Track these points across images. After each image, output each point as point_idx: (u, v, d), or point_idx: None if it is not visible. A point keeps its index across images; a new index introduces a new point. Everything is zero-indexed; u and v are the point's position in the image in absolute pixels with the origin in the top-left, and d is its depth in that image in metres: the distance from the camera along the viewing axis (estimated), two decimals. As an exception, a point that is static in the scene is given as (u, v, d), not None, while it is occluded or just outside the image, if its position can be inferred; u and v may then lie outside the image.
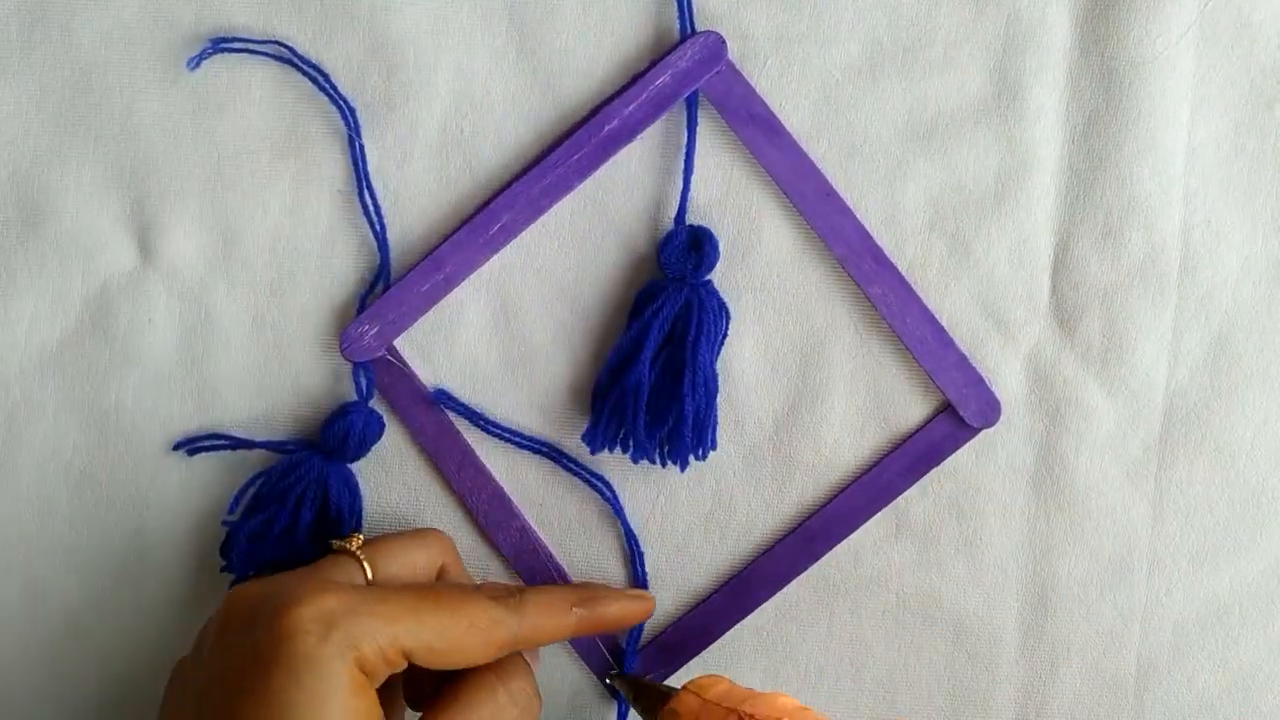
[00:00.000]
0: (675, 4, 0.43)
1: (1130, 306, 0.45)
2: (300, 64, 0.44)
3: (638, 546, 0.46)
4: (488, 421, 0.45)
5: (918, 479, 0.45)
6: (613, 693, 0.46)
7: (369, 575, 0.40)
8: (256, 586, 0.38)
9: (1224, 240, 0.44)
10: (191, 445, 0.45)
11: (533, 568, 0.46)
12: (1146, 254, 0.44)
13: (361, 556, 0.41)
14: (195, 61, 0.44)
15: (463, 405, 0.45)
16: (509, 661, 0.40)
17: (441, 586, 0.41)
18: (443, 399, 0.45)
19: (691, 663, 0.46)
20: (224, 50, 0.44)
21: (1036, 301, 0.45)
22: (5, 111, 0.44)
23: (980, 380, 0.45)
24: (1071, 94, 0.44)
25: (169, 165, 0.45)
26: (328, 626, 0.35)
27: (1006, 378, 0.45)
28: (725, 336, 0.44)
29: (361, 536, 0.42)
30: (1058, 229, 0.44)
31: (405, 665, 0.37)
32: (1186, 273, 0.45)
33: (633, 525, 0.46)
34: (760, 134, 0.44)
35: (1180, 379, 0.45)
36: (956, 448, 0.45)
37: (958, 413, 0.45)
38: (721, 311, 0.44)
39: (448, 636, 0.37)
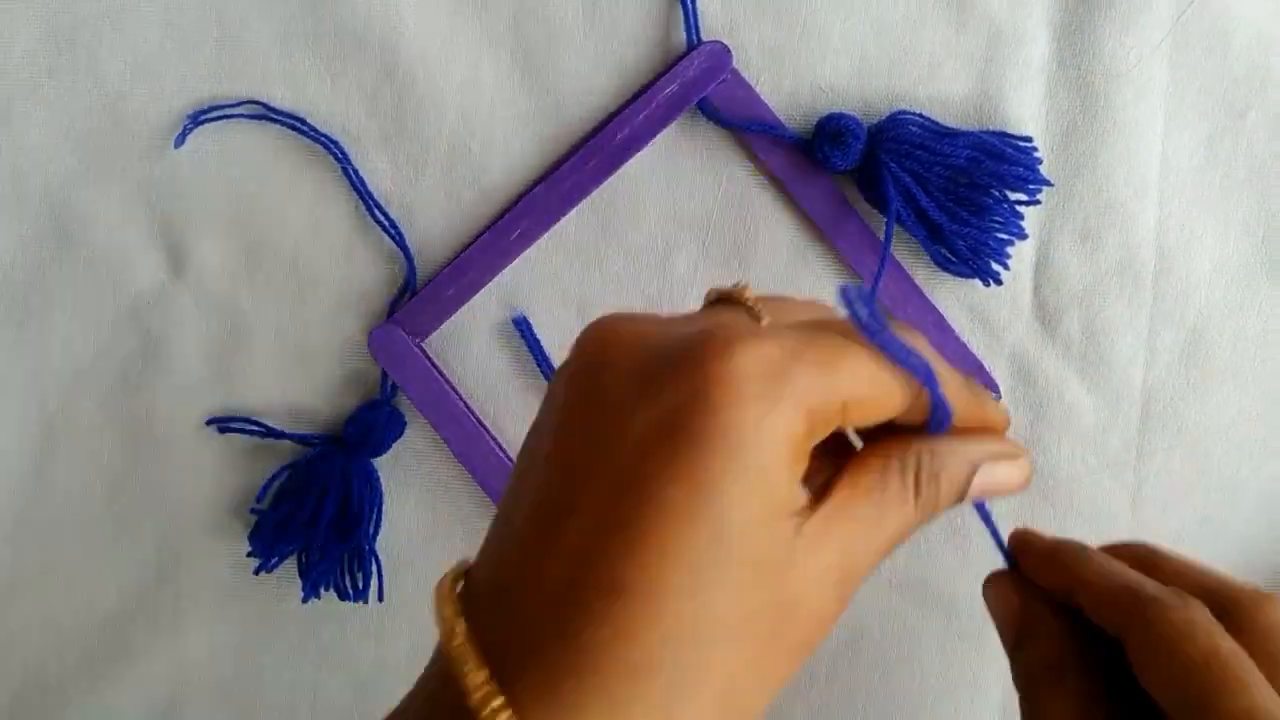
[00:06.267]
0: (681, 18, 0.45)
1: (1108, 306, 0.47)
2: (277, 117, 0.46)
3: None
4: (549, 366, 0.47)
5: None
6: None
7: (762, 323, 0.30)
8: (640, 325, 0.29)
9: (1197, 243, 0.46)
10: (222, 424, 0.47)
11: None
12: (1123, 256, 0.46)
13: (757, 308, 0.30)
14: (179, 140, 0.46)
15: (535, 340, 0.47)
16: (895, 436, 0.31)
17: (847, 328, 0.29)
18: (522, 326, 0.47)
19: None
20: (203, 123, 0.46)
21: (1019, 302, 0.47)
22: (36, 137, 0.46)
23: (980, 365, 0.47)
24: (1050, 105, 0.46)
25: (193, 185, 0.47)
26: (772, 381, 0.26)
27: (991, 375, 0.47)
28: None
29: (750, 287, 0.31)
30: (1039, 234, 0.46)
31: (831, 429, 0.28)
32: (1161, 274, 0.46)
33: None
34: (765, 138, 0.46)
35: (1156, 375, 0.47)
36: None
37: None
38: None
39: (879, 382, 0.28)
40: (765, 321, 0.30)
